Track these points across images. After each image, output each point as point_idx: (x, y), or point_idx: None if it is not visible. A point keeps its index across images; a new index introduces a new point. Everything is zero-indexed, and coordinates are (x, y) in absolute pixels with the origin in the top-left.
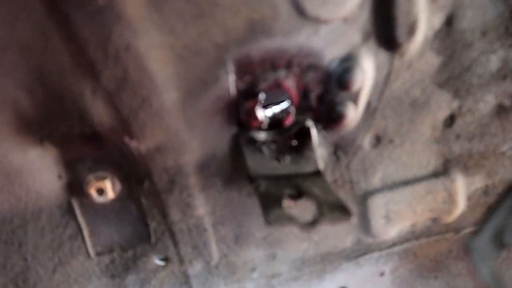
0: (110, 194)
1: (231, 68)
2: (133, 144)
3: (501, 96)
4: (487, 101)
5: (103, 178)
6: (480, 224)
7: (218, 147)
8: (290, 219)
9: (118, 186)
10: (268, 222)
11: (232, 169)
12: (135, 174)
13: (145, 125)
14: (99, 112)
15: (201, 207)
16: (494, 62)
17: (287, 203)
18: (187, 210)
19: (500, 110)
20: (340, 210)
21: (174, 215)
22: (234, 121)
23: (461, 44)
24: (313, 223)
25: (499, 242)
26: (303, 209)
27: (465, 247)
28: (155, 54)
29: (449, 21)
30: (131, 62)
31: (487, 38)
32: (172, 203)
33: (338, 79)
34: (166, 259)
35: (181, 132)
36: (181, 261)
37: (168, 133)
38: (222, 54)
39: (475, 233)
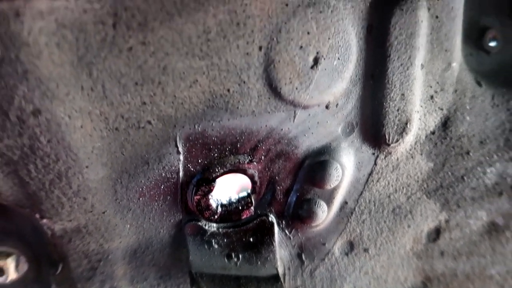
0: (12, 274)
1: (181, 147)
2: (45, 223)
3: (494, 213)
4: (479, 218)
5: (7, 255)
6: None
7: (156, 235)
8: None
9: (24, 267)
10: None
11: (170, 262)
12: (47, 255)
13: (61, 205)
14: None
15: None
16: (490, 175)
17: None
18: None
19: (492, 229)
20: None
21: None
22: (180, 207)
23: (456, 151)
24: None
25: None
26: None
27: None
28: (79, 123)
29: (446, 124)
30: (43, 130)
31: (485, 149)
32: None
33: (311, 173)
34: None
35: (109, 215)
36: None
37: (91, 215)
38: (170, 130)
39: None
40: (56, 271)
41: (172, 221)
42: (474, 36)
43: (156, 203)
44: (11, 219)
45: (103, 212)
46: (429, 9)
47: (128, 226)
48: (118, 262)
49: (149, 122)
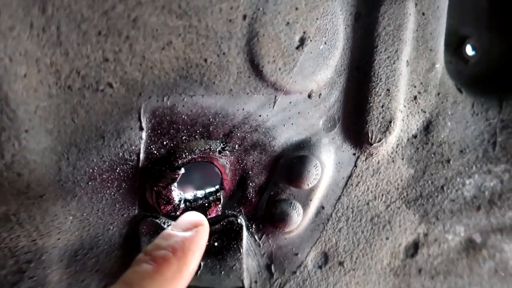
0: None
1: (145, 122)
2: None
3: (472, 229)
4: (457, 233)
5: None
6: None
7: (103, 233)
8: None
9: None
10: None
11: (118, 268)
12: None
13: None
14: None
15: None
16: (469, 187)
17: None
18: None
19: (469, 246)
20: None
21: None
22: (135, 198)
23: (437, 158)
24: None
25: None
26: None
27: None
28: (22, 71)
29: (428, 128)
30: None
31: (465, 159)
32: None
33: (288, 169)
34: None
35: (48, 201)
36: None
37: (25, 199)
38: (134, 99)
39: None
40: None
41: (125, 215)
42: (453, 44)
43: (108, 191)
44: None
45: (41, 196)
46: (416, 4)
47: (71, 218)
48: (54, 265)
49: (110, 85)
